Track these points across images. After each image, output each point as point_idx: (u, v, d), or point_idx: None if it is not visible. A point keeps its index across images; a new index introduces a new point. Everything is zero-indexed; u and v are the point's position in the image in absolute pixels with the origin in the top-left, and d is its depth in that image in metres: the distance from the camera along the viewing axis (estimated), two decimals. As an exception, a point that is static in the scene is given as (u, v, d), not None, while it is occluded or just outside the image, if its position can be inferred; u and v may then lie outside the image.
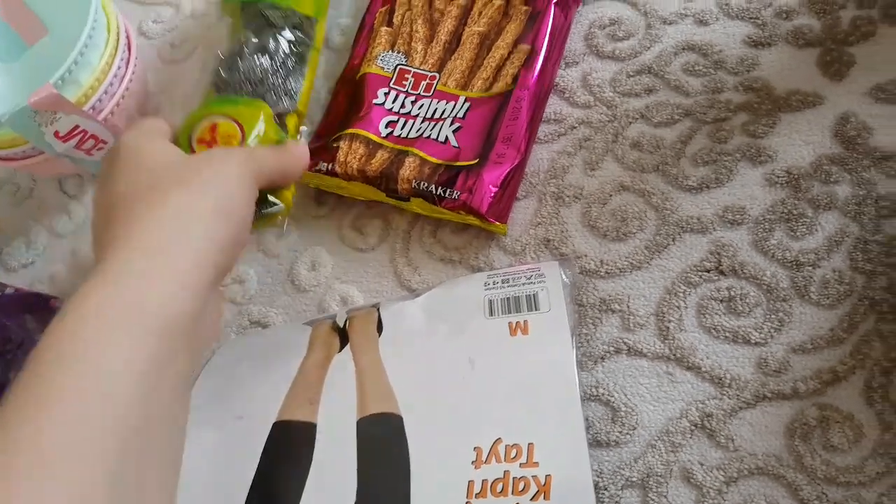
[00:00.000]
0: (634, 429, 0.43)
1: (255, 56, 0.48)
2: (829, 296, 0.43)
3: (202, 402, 0.46)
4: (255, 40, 0.49)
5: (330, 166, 0.51)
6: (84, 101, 0.53)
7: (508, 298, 0.45)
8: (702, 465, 0.41)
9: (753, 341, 0.43)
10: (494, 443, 0.41)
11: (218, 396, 0.45)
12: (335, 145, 0.51)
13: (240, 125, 0.42)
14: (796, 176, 0.46)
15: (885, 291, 0.43)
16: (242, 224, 0.36)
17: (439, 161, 0.49)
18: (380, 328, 0.45)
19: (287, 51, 0.50)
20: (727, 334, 0.44)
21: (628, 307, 0.46)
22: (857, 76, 0.48)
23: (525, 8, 0.53)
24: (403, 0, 0.56)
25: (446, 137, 0.49)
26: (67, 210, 0.60)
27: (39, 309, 0.51)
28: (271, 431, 0.42)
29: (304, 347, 0.45)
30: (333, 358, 0.44)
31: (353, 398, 0.42)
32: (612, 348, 0.45)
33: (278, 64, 0.49)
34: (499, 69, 0.51)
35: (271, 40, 0.49)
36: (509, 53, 0.52)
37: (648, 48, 0.53)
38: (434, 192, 0.48)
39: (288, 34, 0.50)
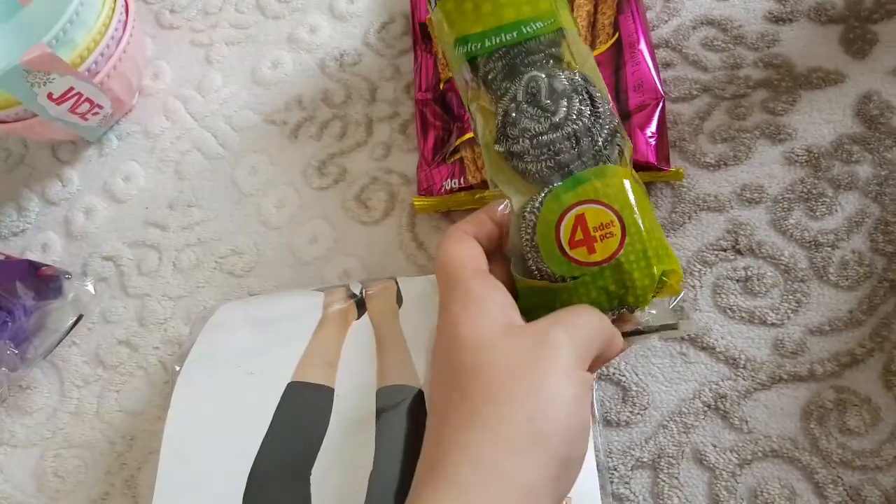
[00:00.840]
0: (646, 409, 0.42)
1: (558, 100, 0.33)
2: (848, 277, 0.42)
3: (207, 353, 0.44)
4: (543, 80, 0.34)
5: (461, 181, 0.47)
6: (79, 62, 0.51)
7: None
8: (715, 446, 0.40)
9: (770, 322, 0.42)
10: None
11: (224, 350, 0.43)
12: (454, 159, 0.48)
13: (612, 209, 0.32)
14: (816, 155, 0.45)
15: (905, 273, 0.42)
16: (572, 444, 0.29)
17: None
18: (399, 301, 0.43)
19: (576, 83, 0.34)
20: (743, 314, 0.43)
21: (642, 285, 0.44)
22: (881, 55, 0.47)
23: None
24: None
25: None
26: (60, 176, 0.58)
27: (30, 276, 0.49)
28: (286, 391, 0.40)
29: (318, 311, 0.44)
30: (351, 325, 0.43)
31: (373, 367, 0.40)
32: (624, 327, 0.44)
33: (582, 104, 0.34)
34: (592, 26, 0.49)
35: (560, 76, 0.34)
36: (595, 6, 0.50)
37: (666, 21, 0.51)
38: None
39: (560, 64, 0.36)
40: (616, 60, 0.47)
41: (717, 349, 0.42)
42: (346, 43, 0.57)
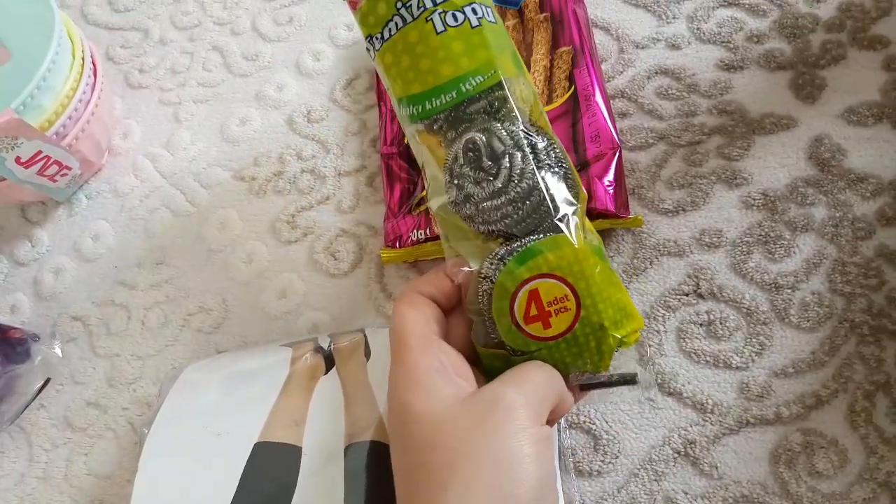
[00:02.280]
0: (617, 457, 0.42)
1: (499, 161, 0.33)
2: (809, 318, 0.43)
3: (175, 414, 0.43)
4: (481, 140, 0.33)
5: (427, 232, 0.48)
6: (48, 126, 0.52)
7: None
8: (686, 493, 0.40)
9: (734, 365, 0.43)
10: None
11: (192, 411, 0.43)
12: (419, 210, 0.49)
13: (565, 282, 0.31)
14: (772, 198, 0.46)
15: (864, 313, 0.42)
16: (541, 500, 0.29)
17: None
18: (367, 353, 0.43)
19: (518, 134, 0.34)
20: (708, 359, 0.43)
21: (607, 332, 0.45)
22: (830, 99, 0.48)
23: (543, 15, 0.52)
24: None
25: None
26: (30, 237, 0.58)
27: (-2, 341, 0.49)
28: (253, 451, 0.40)
29: (286, 368, 0.44)
30: (319, 380, 0.43)
31: (341, 423, 0.40)
32: (591, 374, 0.44)
33: (524, 161, 0.33)
34: (548, 80, 0.50)
35: (500, 132, 0.33)
36: (550, 61, 0.51)
37: (621, 73, 0.53)
38: None
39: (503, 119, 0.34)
40: (573, 113, 0.48)
41: (685, 394, 0.43)
42: (313, 99, 0.58)
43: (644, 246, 0.47)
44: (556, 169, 0.33)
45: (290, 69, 0.60)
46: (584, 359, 0.32)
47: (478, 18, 0.33)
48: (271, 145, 0.57)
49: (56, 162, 0.54)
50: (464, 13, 0.33)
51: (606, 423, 0.43)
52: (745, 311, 0.44)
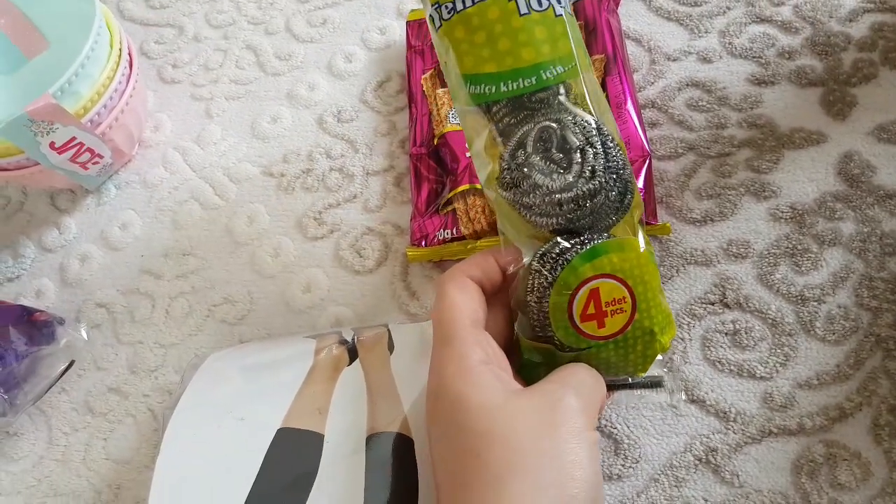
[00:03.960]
0: (637, 462, 0.42)
1: (571, 155, 0.32)
2: (834, 331, 0.43)
3: (198, 400, 0.43)
4: (555, 131, 0.32)
5: (453, 232, 0.48)
6: (83, 113, 0.53)
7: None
8: (706, 500, 0.40)
9: (759, 375, 0.43)
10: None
11: (215, 397, 0.43)
12: (446, 210, 0.49)
13: (626, 284, 0.32)
14: (801, 212, 0.46)
15: (890, 328, 0.42)
16: (595, 502, 0.30)
17: None
18: (391, 347, 0.44)
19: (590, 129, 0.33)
20: (732, 368, 0.43)
21: (632, 337, 0.45)
22: (860, 116, 0.49)
23: (577, 24, 0.53)
24: None
25: None
26: (58, 224, 0.59)
27: (23, 322, 0.49)
28: (276, 437, 0.40)
29: (310, 358, 0.44)
30: (342, 371, 0.43)
31: (364, 413, 0.40)
32: (615, 379, 0.44)
33: (596, 158, 0.32)
34: None
35: (573, 126, 0.32)
36: None
37: (652, 83, 0.53)
38: None
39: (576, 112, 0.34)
40: None
41: (708, 402, 0.43)
42: (344, 100, 0.59)
43: (671, 254, 0.47)
44: (622, 171, 0.33)
45: (322, 70, 0.61)
46: (629, 361, 0.33)
47: (561, 7, 0.32)
48: (301, 143, 0.58)
49: (89, 149, 0.54)
50: None
51: (628, 427, 0.43)
52: (770, 321, 0.44)
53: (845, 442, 0.40)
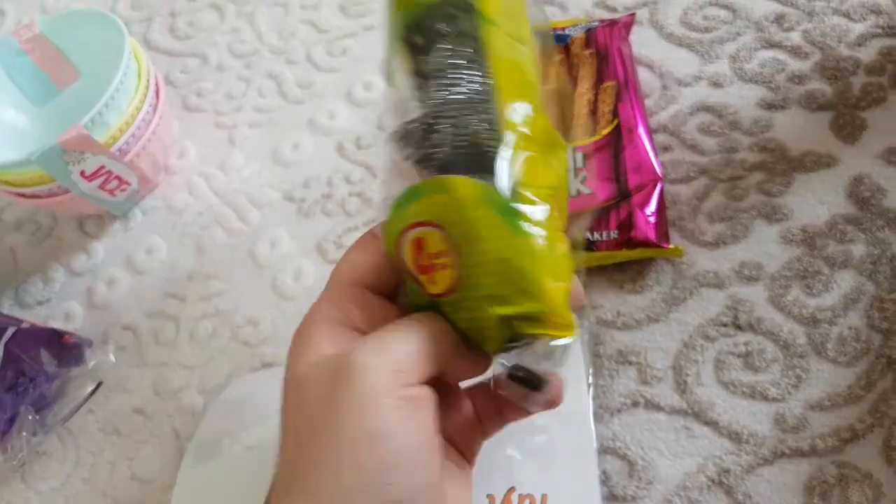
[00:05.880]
0: (651, 483, 0.42)
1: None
2: (846, 353, 0.43)
3: (211, 434, 0.45)
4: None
5: None
6: (111, 142, 0.55)
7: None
8: (719, 521, 0.41)
9: (771, 397, 0.43)
10: (508, 492, 0.40)
11: (227, 429, 0.45)
12: None
13: (447, 235, 0.26)
14: (812, 234, 0.47)
15: (902, 350, 0.43)
16: (409, 475, 0.25)
17: (581, 212, 0.48)
18: None
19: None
20: (745, 389, 0.44)
21: (645, 360, 0.46)
22: (870, 139, 0.49)
23: (589, 51, 0.54)
24: None
25: (577, 190, 0.49)
26: (86, 249, 0.60)
27: (54, 344, 0.51)
28: None
29: None
30: None
31: None
32: (628, 401, 0.45)
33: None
34: (593, 112, 0.52)
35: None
36: (595, 95, 0.53)
37: (664, 108, 0.54)
38: (591, 238, 0.47)
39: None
40: (616, 145, 0.50)
41: (721, 424, 0.43)
42: (363, 127, 0.61)
43: (684, 276, 0.47)
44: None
45: (342, 98, 0.63)
46: (477, 331, 0.28)
47: None
48: (321, 169, 0.59)
49: (117, 177, 0.56)
50: None
51: (642, 449, 0.43)
52: (782, 343, 0.44)
53: (857, 463, 0.40)
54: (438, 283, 0.27)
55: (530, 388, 0.28)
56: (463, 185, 0.26)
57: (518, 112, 0.28)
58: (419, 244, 0.27)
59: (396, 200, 0.27)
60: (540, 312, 0.26)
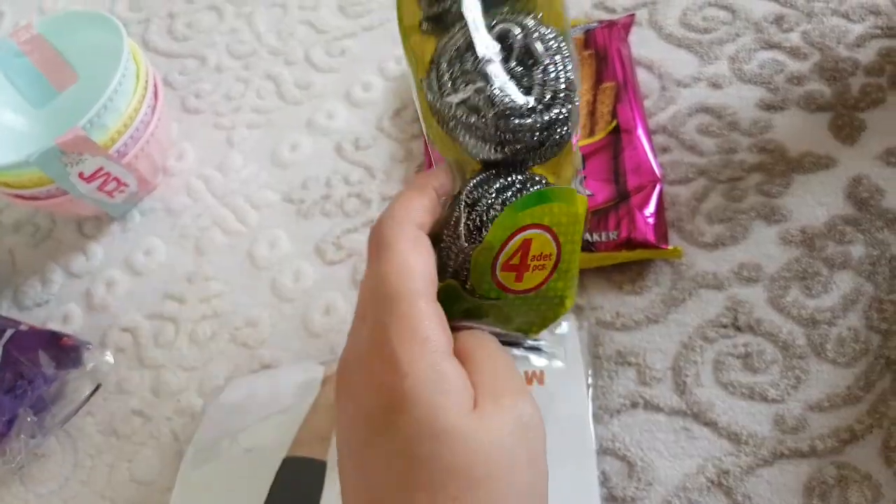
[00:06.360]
0: (651, 484, 0.42)
1: (533, 73, 0.27)
2: (845, 354, 0.43)
3: (210, 436, 0.45)
4: (517, 38, 0.27)
5: None
6: (110, 144, 0.54)
7: (525, 348, 0.45)
8: (719, 523, 0.41)
9: (770, 398, 0.43)
10: (508, 494, 0.40)
11: (226, 431, 0.45)
12: None
13: (557, 242, 0.28)
14: (811, 235, 0.47)
15: (901, 351, 0.43)
16: None
17: None
18: None
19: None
20: (744, 390, 0.44)
21: (645, 360, 0.46)
22: (868, 140, 0.49)
23: (588, 52, 0.54)
24: None
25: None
26: (85, 250, 0.60)
27: (52, 346, 0.51)
28: (280, 467, 0.41)
29: (316, 386, 0.45)
30: None
31: None
32: (628, 402, 0.45)
33: (560, 81, 0.28)
34: (592, 114, 0.52)
35: (541, 34, 0.28)
36: (594, 96, 0.53)
37: (663, 109, 0.54)
38: (591, 239, 0.47)
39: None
40: (615, 146, 0.50)
41: (720, 425, 0.43)
42: (362, 128, 0.61)
43: (683, 278, 0.47)
44: (574, 100, 0.28)
45: (341, 98, 0.63)
46: (529, 319, 0.30)
47: None
48: (319, 170, 0.59)
49: (115, 178, 0.56)
50: None
51: (641, 450, 0.43)
52: (781, 344, 0.44)
53: (856, 464, 0.40)
54: (526, 281, 0.28)
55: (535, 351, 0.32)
56: (581, 202, 0.29)
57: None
58: (527, 244, 0.28)
59: (515, 202, 0.28)
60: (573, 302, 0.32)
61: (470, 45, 0.27)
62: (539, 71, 0.27)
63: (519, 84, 0.27)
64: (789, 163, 0.50)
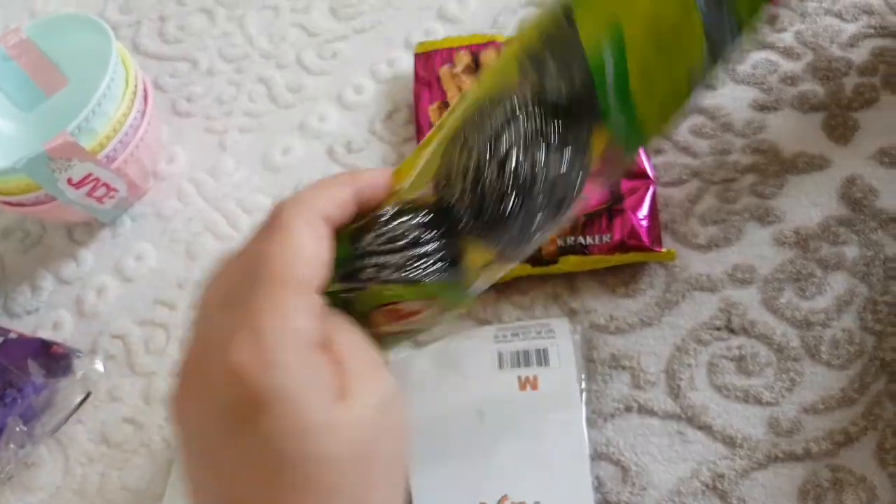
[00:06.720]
0: (645, 489, 0.42)
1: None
2: (839, 356, 0.43)
3: None
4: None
5: None
6: (99, 149, 0.54)
7: (518, 352, 0.44)
8: (714, 527, 0.40)
9: (765, 401, 0.43)
10: (500, 499, 0.40)
11: None
12: None
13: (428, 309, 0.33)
14: (804, 236, 0.47)
15: (895, 352, 0.42)
16: None
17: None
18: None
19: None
20: (738, 393, 0.43)
21: (638, 364, 0.45)
22: (862, 140, 0.49)
23: None
24: (453, 92, 0.57)
25: None
26: (75, 257, 0.60)
27: (41, 354, 0.51)
28: None
29: None
30: None
31: None
32: (622, 406, 0.44)
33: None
34: None
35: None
36: None
37: (656, 110, 0.54)
38: (584, 242, 0.47)
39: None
40: None
41: (714, 428, 0.43)
42: (354, 131, 0.60)
43: (676, 280, 0.47)
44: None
45: (332, 101, 0.62)
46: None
47: None
48: (312, 173, 0.59)
49: (104, 184, 0.56)
50: None
51: (635, 454, 0.43)
52: (775, 347, 0.44)
53: (851, 466, 0.40)
54: (395, 326, 0.32)
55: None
56: (465, 306, 0.36)
57: None
58: (395, 308, 0.31)
59: (402, 288, 0.30)
60: None
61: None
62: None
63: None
64: (783, 163, 0.49)
